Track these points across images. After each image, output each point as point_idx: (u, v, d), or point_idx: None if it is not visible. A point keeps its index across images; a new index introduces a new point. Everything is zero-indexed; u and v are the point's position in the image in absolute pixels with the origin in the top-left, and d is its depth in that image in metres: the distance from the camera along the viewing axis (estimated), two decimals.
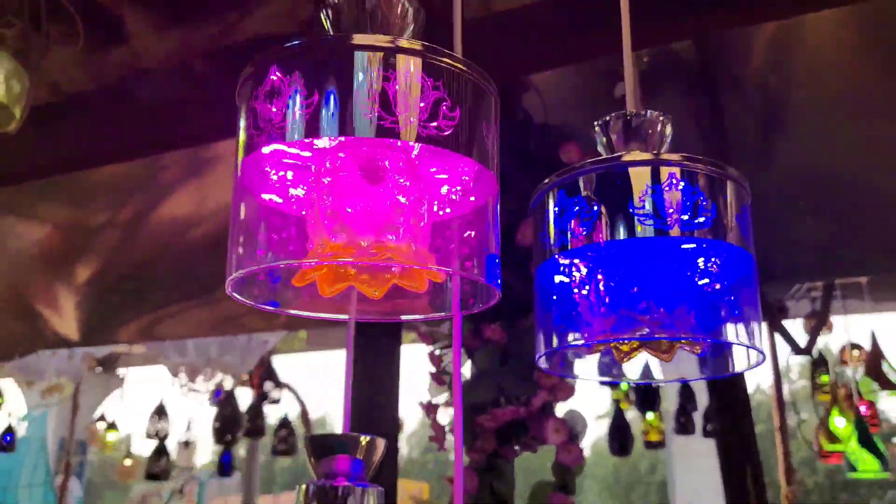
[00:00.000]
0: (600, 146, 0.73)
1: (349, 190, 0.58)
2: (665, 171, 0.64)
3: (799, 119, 1.84)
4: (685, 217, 0.64)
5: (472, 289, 0.64)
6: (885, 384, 4.07)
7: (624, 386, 4.75)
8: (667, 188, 0.63)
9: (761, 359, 0.67)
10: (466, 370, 1.27)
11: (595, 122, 0.72)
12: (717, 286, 0.66)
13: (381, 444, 0.66)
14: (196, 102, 1.63)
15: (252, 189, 0.62)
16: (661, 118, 0.71)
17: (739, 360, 0.73)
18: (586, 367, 0.73)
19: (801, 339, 4.97)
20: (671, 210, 0.65)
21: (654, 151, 0.69)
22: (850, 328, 5.01)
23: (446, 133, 0.54)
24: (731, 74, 1.89)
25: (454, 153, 0.55)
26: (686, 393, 4.52)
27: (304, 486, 0.61)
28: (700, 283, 0.66)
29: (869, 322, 4.62)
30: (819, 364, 4.59)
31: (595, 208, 0.65)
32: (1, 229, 2.52)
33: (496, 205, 0.62)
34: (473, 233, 0.61)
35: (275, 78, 0.55)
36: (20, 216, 2.49)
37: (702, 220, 0.65)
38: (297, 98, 0.53)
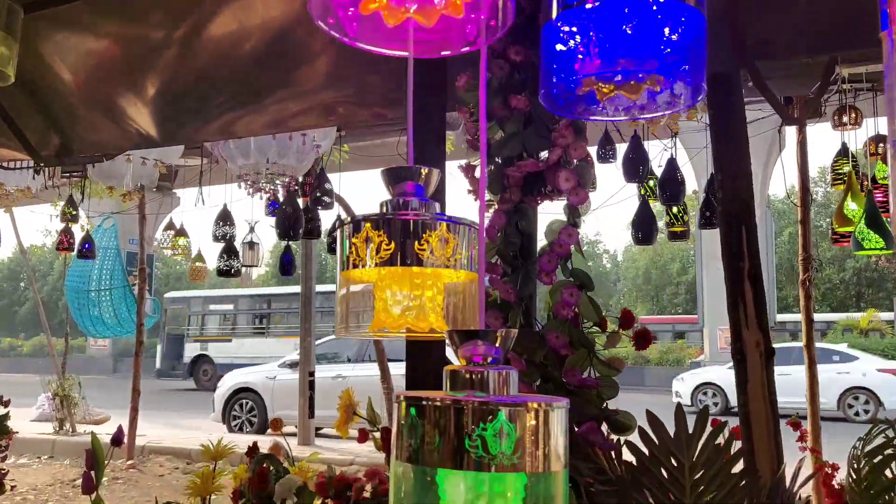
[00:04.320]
0: None
1: None
2: None
3: None
4: None
5: (496, 20, 0.90)
6: None
7: (650, 182, 5.02)
8: None
9: (704, 93, 0.94)
10: (498, 136, 1.58)
11: None
12: (675, 38, 0.90)
13: (435, 173, 0.97)
14: None
15: None
16: None
17: (692, 96, 1.00)
18: (581, 111, 1.01)
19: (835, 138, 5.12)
20: None
21: None
22: (880, 124, 5.12)
23: None
24: None
25: None
26: (712, 188, 4.80)
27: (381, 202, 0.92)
28: (667, 36, 0.91)
29: None
30: (841, 154, 4.79)
31: None
32: (71, 41, 2.73)
33: None
34: None
35: None
36: (87, 29, 2.70)
37: None
38: None
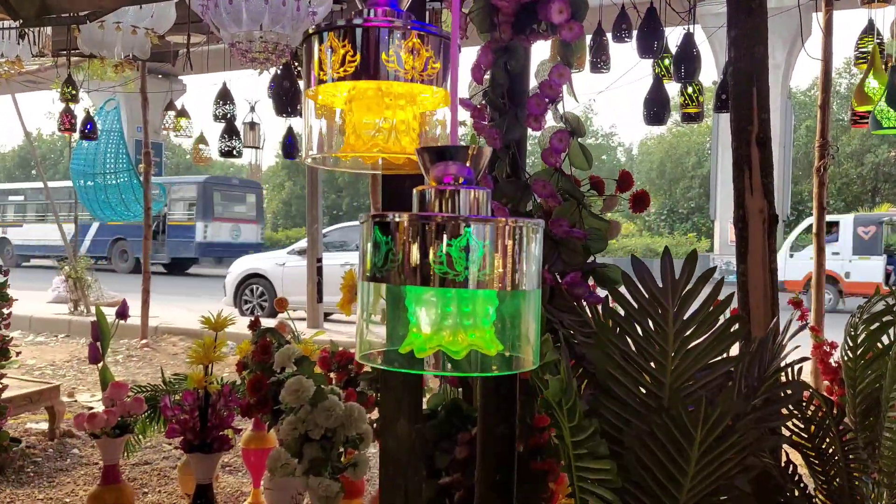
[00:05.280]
0: None
1: None
2: None
3: None
4: None
5: None
6: None
7: (665, 61, 4.82)
8: None
9: None
10: None
11: None
12: None
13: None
14: None
15: None
16: None
17: None
18: None
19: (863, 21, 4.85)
20: None
21: None
22: None
23: None
24: None
25: None
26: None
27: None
28: None
29: None
30: (866, 32, 4.55)
31: None
32: None
33: None
34: None
35: None
36: None
37: None
38: None
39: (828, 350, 3.39)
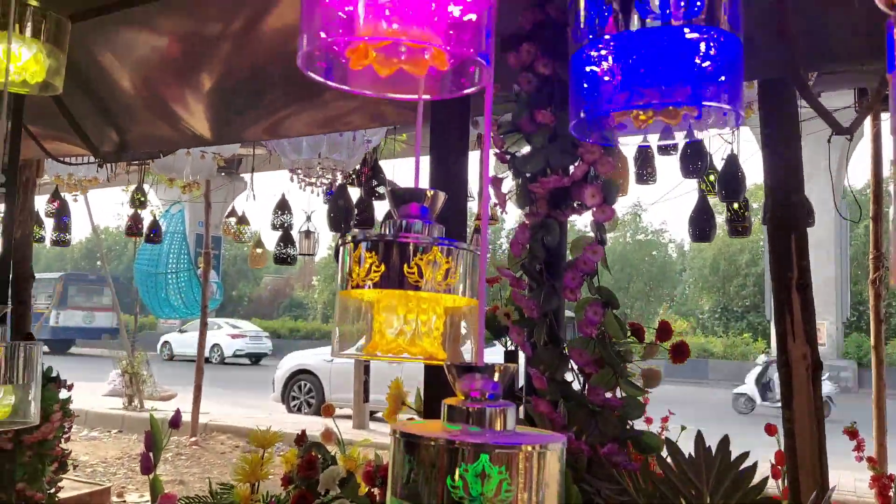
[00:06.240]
0: None
1: None
2: None
3: None
4: (682, 9, 0.86)
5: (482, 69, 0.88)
6: None
7: (710, 177, 4.88)
8: None
9: (741, 119, 0.90)
10: (525, 150, 1.55)
11: None
12: (708, 64, 0.86)
13: (441, 195, 0.95)
14: None
15: None
16: None
17: (728, 120, 0.97)
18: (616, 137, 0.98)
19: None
20: (671, 6, 0.86)
21: None
22: None
23: None
24: None
25: None
26: None
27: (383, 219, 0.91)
28: (700, 63, 0.87)
29: None
30: None
31: (612, 6, 0.87)
32: (127, 40, 2.84)
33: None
34: (474, 17, 0.83)
35: None
36: (142, 28, 2.79)
37: (695, 9, 0.86)
38: None
39: (886, 483, 3.23)
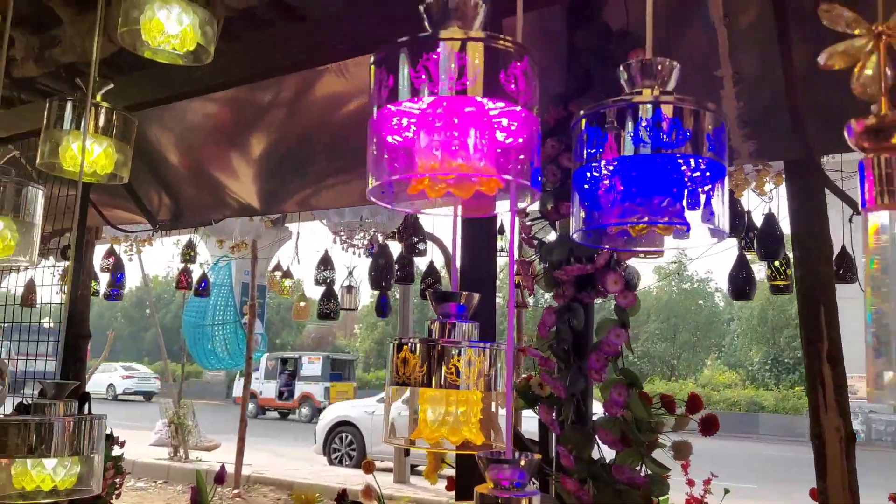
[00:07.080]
0: (623, 81, 1.02)
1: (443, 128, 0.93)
2: (662, 107, 0.95)
3: None
4: (670, 138, 0.96)
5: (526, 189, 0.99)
6: None
7: (748, 235, 4.86)
8: (659, 119, 0.94)
9: (726, 235, 0.99)
10: (551, 236, 1.65)
11: (619, 66, 1.01)
12: (692, 186, 0.96)
13: (475, 296, 1.05)
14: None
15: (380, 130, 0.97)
16: (667, 63, 0.99)
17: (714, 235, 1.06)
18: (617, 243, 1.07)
19: None
20: (663, 135, 0.96)
21: (659, 89, 0.98)
22: None
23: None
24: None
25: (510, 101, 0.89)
26: None
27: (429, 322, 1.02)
28: (687, 183, 0.97)
29: None
30: None
31: (609, 134, 0.97)
32: (178, 106, 3.01)
33: (538, 135, 0.95)
34: (523, 155, 0.95)
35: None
36: (192, 110, 2.97)
37: (681, 138, 0.96)
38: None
39: None
